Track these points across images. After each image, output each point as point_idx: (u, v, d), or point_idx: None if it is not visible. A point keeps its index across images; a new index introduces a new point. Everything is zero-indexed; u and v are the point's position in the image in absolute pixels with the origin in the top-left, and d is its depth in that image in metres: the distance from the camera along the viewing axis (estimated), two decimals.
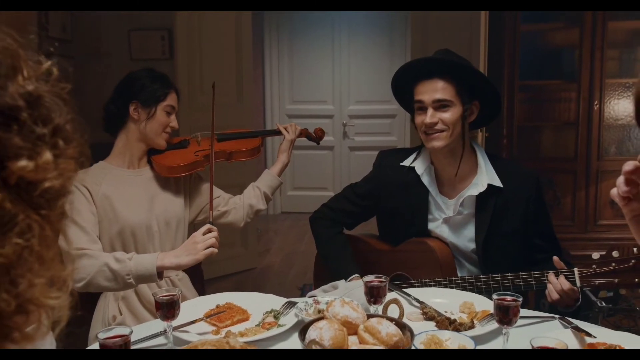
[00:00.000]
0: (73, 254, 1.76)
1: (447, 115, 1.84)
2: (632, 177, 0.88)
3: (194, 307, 1.61)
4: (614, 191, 0.91)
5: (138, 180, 2.01)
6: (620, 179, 0.90)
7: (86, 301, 2.05)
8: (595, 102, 3.87)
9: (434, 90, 1.84)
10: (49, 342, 0.92)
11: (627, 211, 0.92)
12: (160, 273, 1.78)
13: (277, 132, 2.28)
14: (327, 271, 2.04)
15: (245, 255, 4.81)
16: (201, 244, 1.74)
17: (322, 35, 6.66)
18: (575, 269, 1.65)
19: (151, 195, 2.01)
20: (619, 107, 3.90)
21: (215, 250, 1.76)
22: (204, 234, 1.76)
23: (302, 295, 4.26)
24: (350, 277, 1.91)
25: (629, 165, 0.88)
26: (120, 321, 1.92)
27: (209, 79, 4.32)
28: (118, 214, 1.91)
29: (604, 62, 3.83)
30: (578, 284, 1.63)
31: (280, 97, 6.84)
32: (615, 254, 1.59)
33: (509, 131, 3.98)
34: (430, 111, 1.84)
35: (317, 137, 2.37)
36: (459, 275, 1.95)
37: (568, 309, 1.67)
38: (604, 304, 3.39)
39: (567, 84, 3.96)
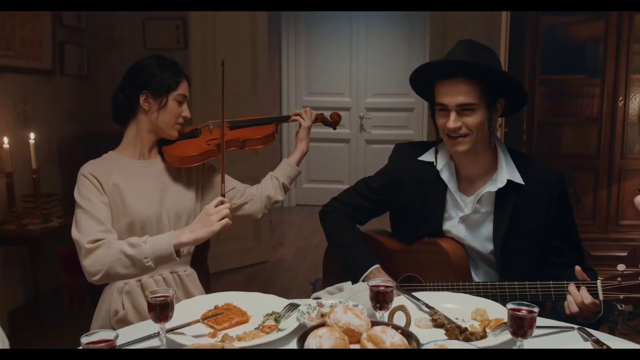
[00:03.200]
0: (87, 247, 1.71)
1: (471, 119, 1.73)
2: None
3: (191, 307, 1.54)
4: (638, 199, 0.83)
5: (149, 171, 1.95)
6: None
7: (89, 295, 2.01)
8: (620, 98, 3.75)
9: (457, 92, 1.72)
10: None
11: None
12: (177, 251, 1.72)
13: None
14: (341, 264, 1.96)
15: (258, 248, 4.78)
16: (215, 216, 1.69)
17: (340, 27, 6.57)
18: (599, 281, 1.53)
19: (162, 188, 1.95)
20: None
21: (230, 221, 1.71)
22: (216, 206, 1.71)
23: (314, 289, 4.21)
24: (371, 269, 1.84)
25: None
26: (122, 316, 1.87)
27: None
28: (128, 205, 1.86)
29: (629, 57, 3.70)
30: (601, 297, 1.52)
31: (297, 89, 6.78)
32: None
33: (529, 127, 3.87)
34: (453, 115, 1.73)
35: (333, 121, 2.27)
36: (475, 277, 1.86)
37: (588, 321, 1.57)
38: (624, 307, 3.28)
39: (590, 79, 3.84)
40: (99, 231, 1.74)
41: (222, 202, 1.72)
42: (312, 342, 1.15)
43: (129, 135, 1.97)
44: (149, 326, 1.46)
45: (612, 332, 3.08)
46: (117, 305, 1.89)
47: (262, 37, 4.60)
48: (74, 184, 1.86)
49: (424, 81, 1.82)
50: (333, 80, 6.70)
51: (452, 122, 1.72)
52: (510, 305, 1.27)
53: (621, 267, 1.54)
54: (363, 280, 1.84)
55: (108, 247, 1.71)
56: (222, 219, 1.69)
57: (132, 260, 1.70)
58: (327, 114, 2.29)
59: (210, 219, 1.69)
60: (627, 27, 3.66)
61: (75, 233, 1.76)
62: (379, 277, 1.80)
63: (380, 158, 2.08)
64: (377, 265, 1.86)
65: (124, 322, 1.85)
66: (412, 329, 1.37)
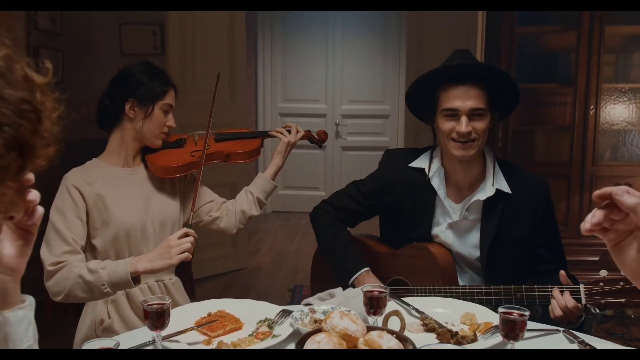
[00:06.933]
0: (48, 270, 1.72)
1: (480, 124, 1.79)
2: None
3: (184, 314, 1.54)
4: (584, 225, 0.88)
5: (133, 179, 1.94)
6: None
7: (72, 304, 1.98)
8: (591, 107, 3.85)
9: (467, 97, 1.77)
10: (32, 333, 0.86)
11: (607, 241, 0.89)
12: (135, 278, 1.72)
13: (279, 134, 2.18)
14: (331, 267, 1.98)
15: (235, 255, 4.75)
16: (175, 249, 1.69)
17: (316, 34, 6.60)
18: (582, 286, 1.59)
19: (147, 196, 1.93)
20: (615, 112, 3.88)
21: (190, 255, 1.71)
22: (180, 237, 1.71)
23: (293, 296, 4.21)
24: (360, 272, 1.86)
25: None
26: (107, 326, 1.85)
27: (201, 75, 4.24)
28: (112, 214, 1.84)
29: (600, 67, 3.81)
30: (583, 301, 1.58)
31: (272, 96, 6.77)
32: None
33: (503, 134, 3.94)
34: (464, 119, 1.77)
35: (319, 139, 2.25)
36: (461, 282, 1.90)
37: (571, 325, 1.62)
38: (597, 311, 3.35)
39: (563, 88, 3.94)
40: (63, 252, 1.74)
41: (186, 234, 1.72)
42: (311, 348, 1.16)
43: (113, 142, 1.95)
44: (139, 335, 1.45)
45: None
46: (102, 315, 1.87)
47: (240, 44, 4.59)
48: (48, 192, 1.84)
49: (428, 87, 1.85)
50: (309, 87, 6.71)
51: (465, 126, 1.77)
52: (501, 309, 1.30)
53: (603, 272, 1.59)
54: (352, 284, 1.86)
55: (68, 271, 1.71)
56: (183, 252, 1.69)
57: (89, 286, 1.70)
58: (303, 127, 2.24)
59: (171, 251, 1.69)
60: (598, 38, 3.77)
61: (42, 251, 1.76)
62: (367, 280, 1.83)
63: (356, 165, 2.08)
64: (366, 269, 1.88)
65: (109, 331, 1.83)
66: (405, 333, 1.39)
